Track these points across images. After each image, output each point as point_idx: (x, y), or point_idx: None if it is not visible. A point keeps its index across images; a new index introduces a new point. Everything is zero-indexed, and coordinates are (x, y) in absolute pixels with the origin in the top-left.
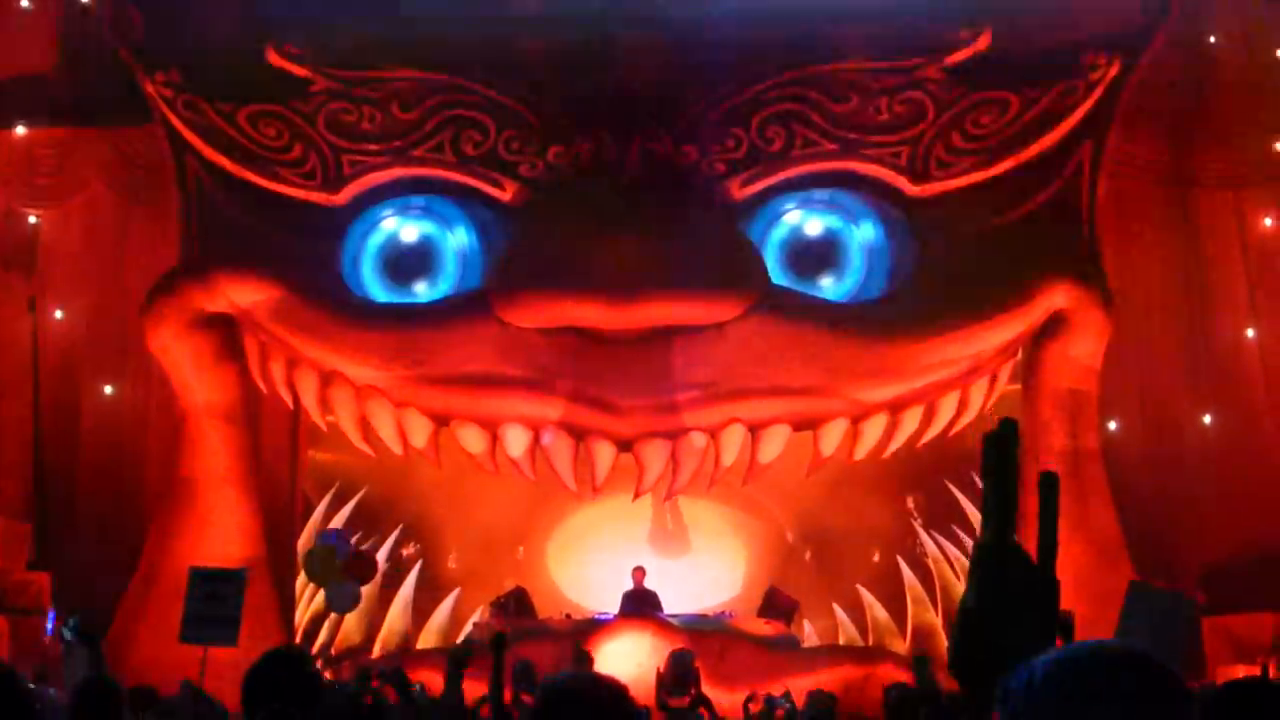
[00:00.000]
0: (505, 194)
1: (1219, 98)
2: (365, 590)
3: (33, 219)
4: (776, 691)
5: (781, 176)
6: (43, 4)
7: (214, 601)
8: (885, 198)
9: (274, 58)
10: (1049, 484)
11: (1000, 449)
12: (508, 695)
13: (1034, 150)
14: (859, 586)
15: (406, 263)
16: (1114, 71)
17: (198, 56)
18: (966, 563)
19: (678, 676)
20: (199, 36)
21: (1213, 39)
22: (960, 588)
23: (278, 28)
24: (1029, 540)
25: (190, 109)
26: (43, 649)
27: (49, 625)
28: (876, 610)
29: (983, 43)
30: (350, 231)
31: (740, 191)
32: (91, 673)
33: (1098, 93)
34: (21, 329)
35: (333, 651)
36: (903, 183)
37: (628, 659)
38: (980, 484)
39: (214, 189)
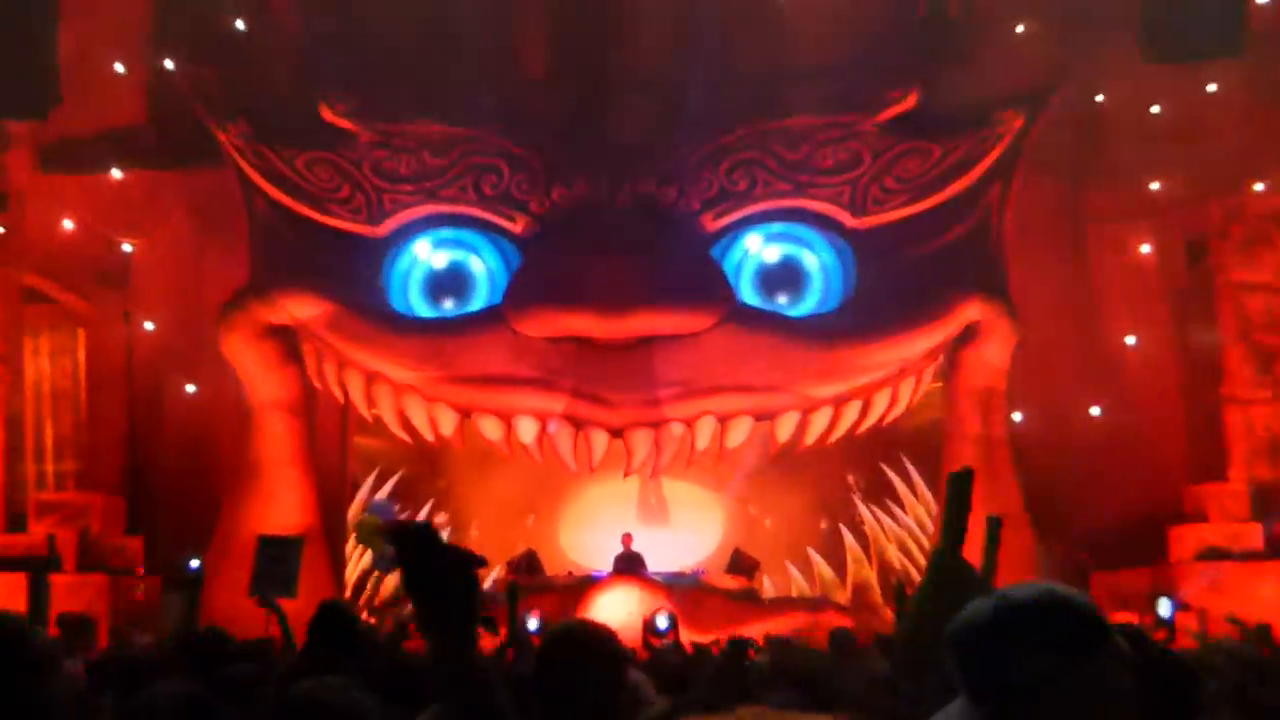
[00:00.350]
0: (517, 227)
1: (1105, 147)
2: None
3: (126, 247)
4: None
5: (746, 212)
6: (134, 68)
7: (277, 562)
8: (831, 229)
9: (326, 114)
10: (993, 526)
11: (959, 487)
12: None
13: (953, 190)
14: (809, 549)
15: (439, 284)
16: (1018, 124)
17: (262, 112)
18: (896, 529)
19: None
20: (263, 96)
21: (1099, 98)
22: (890, 550)
23: (330, 88)
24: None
25: (257, 155)
26: (133, 602)
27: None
28: (823, 568)
29: (910, 102)
30: (391, 257)
31: (713, 224)
32: (187, 622)
33: (1004, 143)
34: (117, 337)
35: (376, 603)
36: (845, 217)
37: (619, 609)
38: (911, 466)
39: (276, 221)
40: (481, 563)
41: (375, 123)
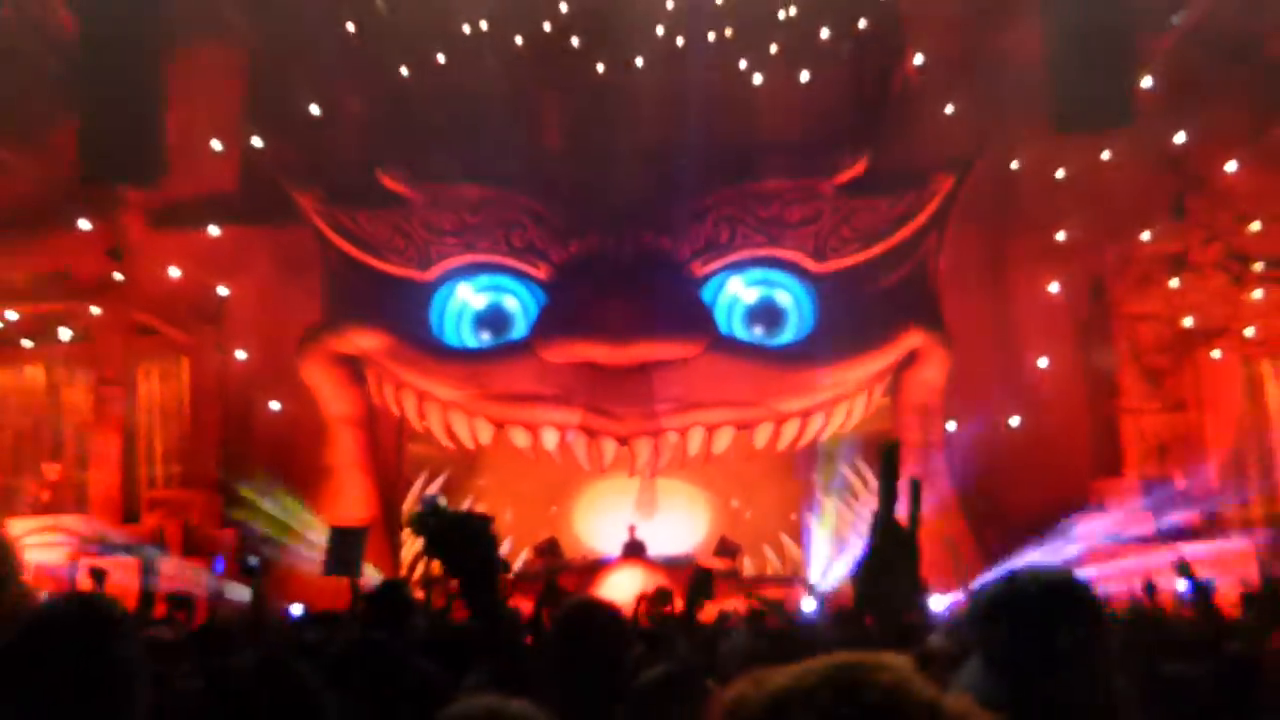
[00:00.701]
0: (540, 273)
1: (1020, 203)
2: None
3: (221, 290)
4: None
5: (728, 260)
6: (228, 145)
7: (345, 548)
8: (798, 273)
9: (384, 180)
10: (914, 487)
11: (889, 459)
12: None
13: (898, 238)
14: (782, 534)
15: (479, 320)
16: (948, 184)
17: (332, 178)
18: (851, 515)
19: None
20: (332, 166)
21: (1015, 163)
22: (843, 531)
23: (387, 159)
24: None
25: (328, 215)
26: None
27: (218, 566)
28: (792, 549)
29: (860, 167)
30: (438, 298)
31: (700, 270)
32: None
33: (938, 199)
34: (213, 364)
35: (427, 579)
36: (809, 262)
37: (625, 587)
38: (864, 466)
39: (344, 269)
40: (488, 520)
41: (424, 187)
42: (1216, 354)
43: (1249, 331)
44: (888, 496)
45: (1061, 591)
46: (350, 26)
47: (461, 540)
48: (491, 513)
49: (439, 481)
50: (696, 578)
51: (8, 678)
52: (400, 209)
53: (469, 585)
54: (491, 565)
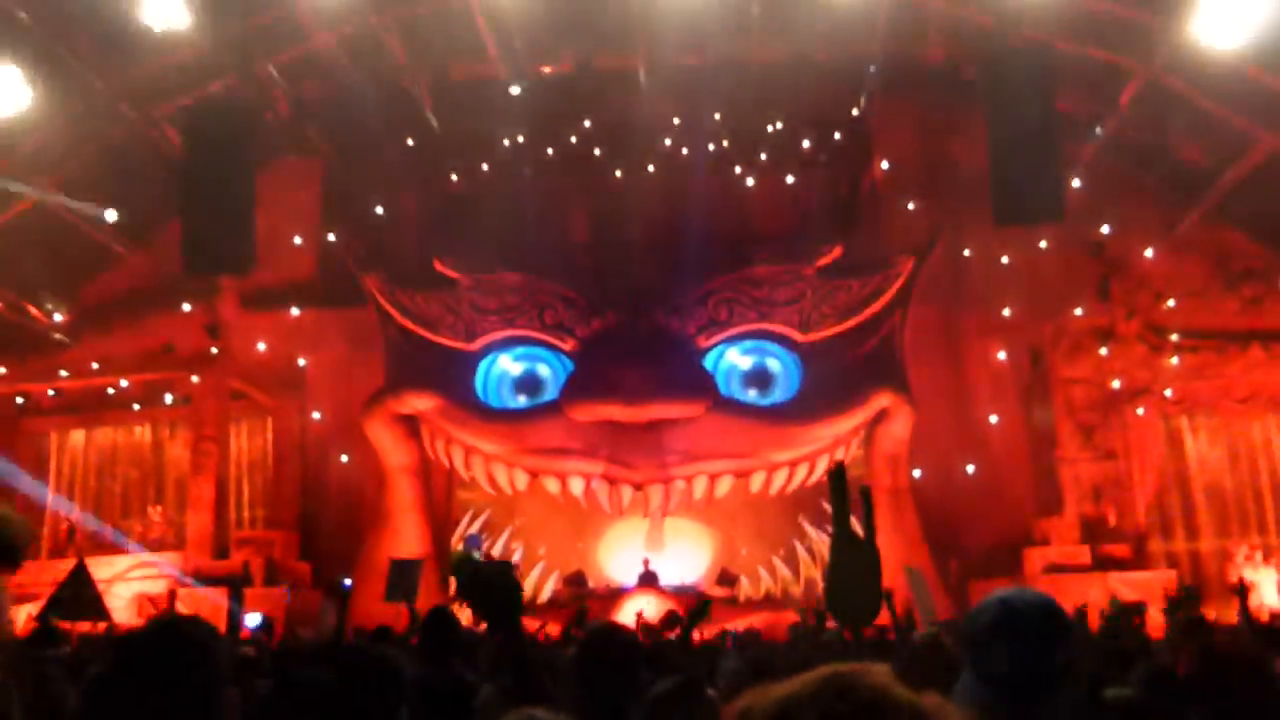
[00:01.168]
0: (567, 345)
1: (970, 285)
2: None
3: (301, 362)
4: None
5: (727, 334)
6: (307, 239)
7: (403, 578)
8: (786, 343)
9: (438, 266)
10: (864, 493)
11: (837, 479)
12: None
13: (868, 313)
14: (774, 558)
15: (516, 385)
16: (909, 266)
17: (394, 266)
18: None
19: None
20: (393, 256)
21: (966, 251)
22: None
23: (441, 250)
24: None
25: (390, 295)
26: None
27: (286, 596)
28: (783, 570)
29: (836, 253)
30: (482, 366)
31: (705, 343)
32: (338, 622)
33: (902, 279)
34: (295, 423)
35: None
36: (796, 334)
37: (641, 611)
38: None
39: (402, 342)
40: (512, 566)
41: (471, 273)
42: (1140, 411)
43: (1168, 392)
44: (840, 514)
45: (1053, 615)
46: (409, 140)
47: (485, 590)
48: (527, 548)
49: (481, 520)
50: (696, 606)
51: (115, 686)
52: (450, 291)
53: (490, 623)
54: (509, 608)
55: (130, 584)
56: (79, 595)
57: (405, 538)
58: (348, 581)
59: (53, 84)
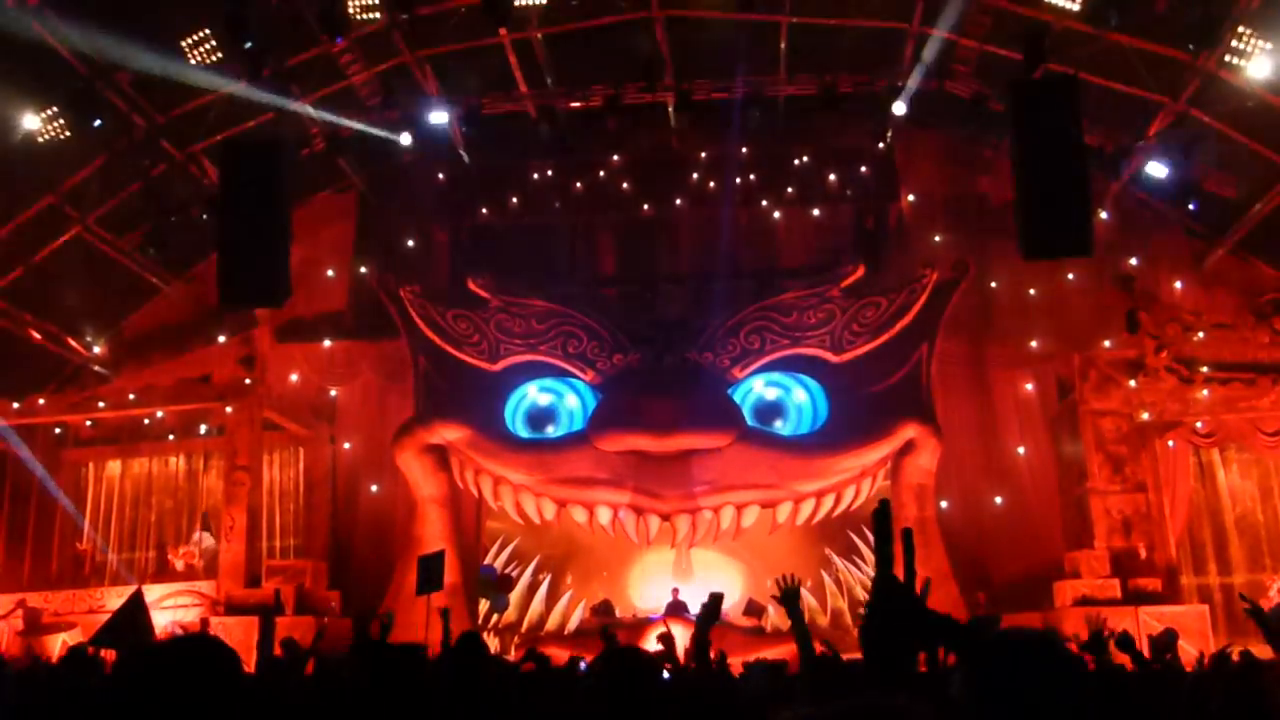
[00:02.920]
0: (587, 376)
1: (998, 318)
2: (511, 596)
3: (333, 393)
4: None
5: (762, 361)
6: (340, 273)
7: (431, 570)
8: (818, 369)
9: (471, 285)
10: (906, 535)
11: (881, 518)
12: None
13: (899, 328)
14: (803, 589)
15: (544, 416)
16: (934, 277)
17: (427, 283)
18: (860, 576)
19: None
20: (426, 275)
21: (993, 284)
22: (856, 590)
23: (472, 268)
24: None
25: (421, 306)
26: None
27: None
28: (810, 601)
29: (860, 272)
30: (509, 397)
31: (740, 374)
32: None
33: (929, 290)
34: (325, 453)
35: (497, 628)
36: (829, 356)
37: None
38: (869, 535)
39: (429, 368)
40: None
41: (501, 296)
42: (1171, 444)
43: (1199, 425)
44: (883, 555)
45: (1062, 655)
46: (440, 175)
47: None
48: (554, 578)
49: (509, 549)
50: (708, 604)
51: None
52: (480, 312)
53: None
54: None
55: (163, 612)
56: (134, 623)
57: None
58: (387, 617)
59: (96, 121)
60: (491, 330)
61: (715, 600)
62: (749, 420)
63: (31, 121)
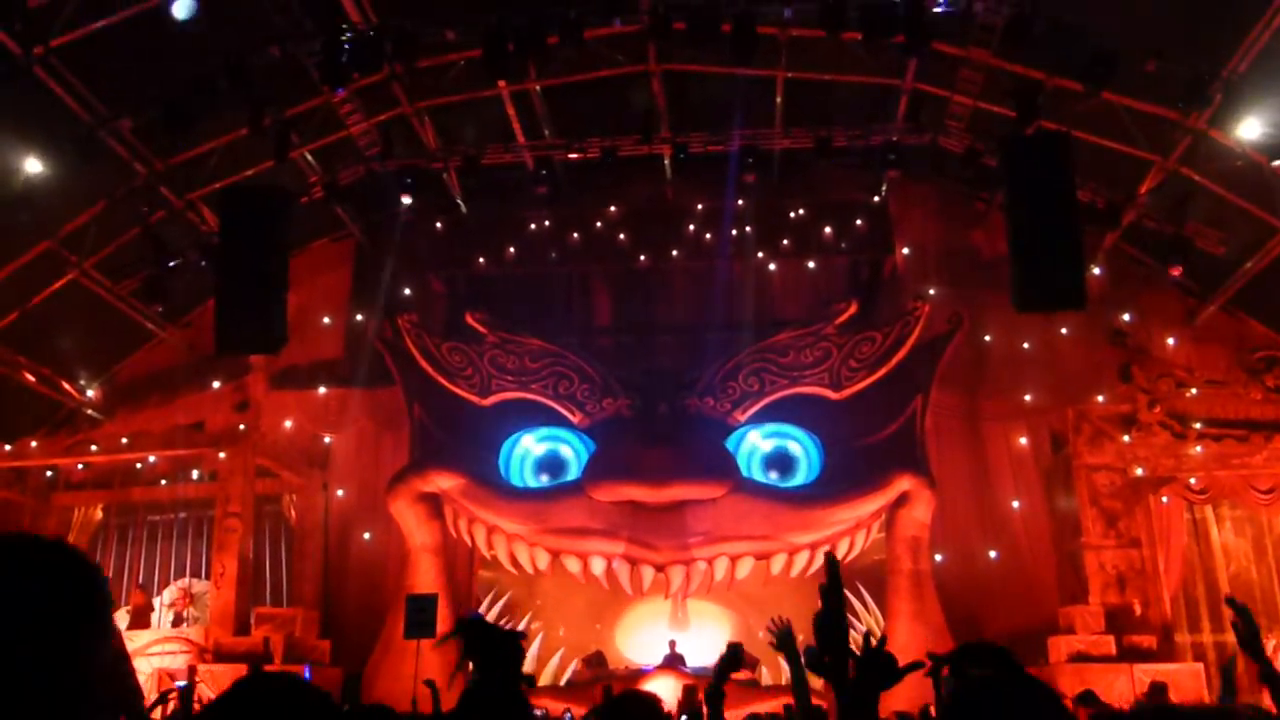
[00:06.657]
0: (575, 418)
1: (992, 371)
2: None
3: (327, 439)
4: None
5: (762, 403)
6: (336, 320)
7: (421, 613)
8: (818, 408)
9: (469, 319)
10: (830, 560)
11: (831, 568)
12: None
13: (895, 361)
14: (798, 636)
15: (539, 465)
16: (926, 309)
17: (424, 316)
18: (854, 633)
19: (687, 700)
20: (424, 313)
21: (987, 337)
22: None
23: (470, 304)
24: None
25: (417, 336)
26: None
27: (306, 673)
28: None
29: (853, 309)
30: (505, 446)
31: (741, 417)
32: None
33: (922, 321)
34: (318, 501)
35: None
36: (829, 393)
37: (662, 692)
38: (862, 590)
39: (424, 415)
40: (522, 636)
41: (498, 332)
42: (1165, 500)
43: (1192, 481)
44: (832, 597)
45: (1051, 703)
46: (438, 224)
47: (490, 641)
48: (547, 629)
49: (502, 600)
50: (728, 653)
51: None
52: (475, 346)
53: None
54: (515, 670)
55: (150, 659)
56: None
57: None
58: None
59: (95, 167)
60: (485, 364)
61: (735, 650)
62: (749, 473)
63: (33, 166)
